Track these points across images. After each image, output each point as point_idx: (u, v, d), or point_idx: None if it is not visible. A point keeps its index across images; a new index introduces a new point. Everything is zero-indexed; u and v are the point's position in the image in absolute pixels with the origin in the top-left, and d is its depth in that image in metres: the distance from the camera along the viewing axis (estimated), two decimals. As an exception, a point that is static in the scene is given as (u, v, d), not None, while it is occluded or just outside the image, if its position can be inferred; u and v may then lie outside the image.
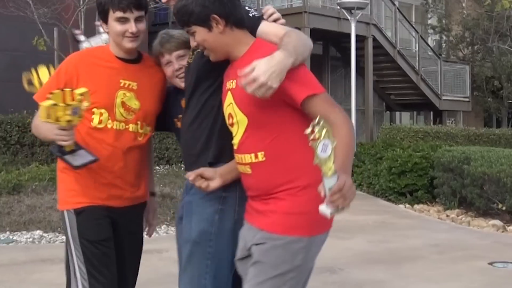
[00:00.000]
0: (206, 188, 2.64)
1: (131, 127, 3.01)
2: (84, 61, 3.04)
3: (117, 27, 2.95)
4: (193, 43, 2.66)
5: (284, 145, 2.51)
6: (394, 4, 20.11)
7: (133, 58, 3.08)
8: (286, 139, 2.51)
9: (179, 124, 3.03)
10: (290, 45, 2.46)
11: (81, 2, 10.25)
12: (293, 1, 17.53)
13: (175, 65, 3.06)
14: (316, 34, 15.82)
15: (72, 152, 2.82)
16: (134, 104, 3.01)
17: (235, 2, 2.60)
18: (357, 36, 14.61)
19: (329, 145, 2.15)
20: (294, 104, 2.45)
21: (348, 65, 15.02)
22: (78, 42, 3.19)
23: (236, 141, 2.59)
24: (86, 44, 3.20)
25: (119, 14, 2.93)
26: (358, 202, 10.54)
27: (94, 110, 2.93)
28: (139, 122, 3.03)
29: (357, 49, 14.62)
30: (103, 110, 2.94)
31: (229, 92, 2.59)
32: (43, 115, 2.70)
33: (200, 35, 2.56)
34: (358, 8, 14.28)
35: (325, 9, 16.99)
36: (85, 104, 2.76)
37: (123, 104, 2.99)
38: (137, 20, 2.97)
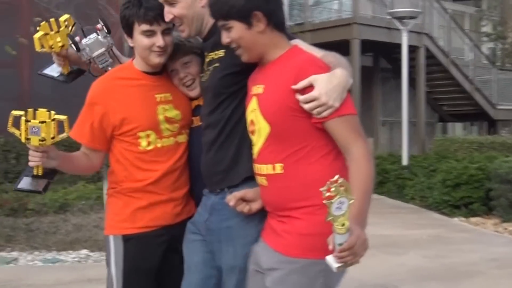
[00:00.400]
0: (248, 211, 2.51)
1: (179, 138, 2.90)
2: (111, 87, 2.87)
3: (144, 41, 2.79)
4: (225, 39, 2.46)
5: (304, 159, 2.37)
6: (447, 13, 19.74)
7: (160, 70, 2.93)
8: (307, 153, 2.37)
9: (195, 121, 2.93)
10: (343, 65, 2.38)
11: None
12: (342, 12, 17.37)
13: (181, 73, 2.91)
14: (366, 46, 15.72)
15: (38, 177, 2.73)
16: (176, 115, 2.88)
17: (279, 2, 2.46)
18: (408, 46, 14.32)
19: (345, 203, 2.03)
20: (316, 121, 2.33)
21: (399, 76, 14.74)
22: (78, 50, 2.97)
23: (255, 150, 2.47)
24: (86, 52, 2.97)
25: (145, 27, 2.77)
26: (411, 215, 10.48)
27: (140, 134, 2.82)
28: (183, 131, 2.92)
29: (408, 59, 14.34)
30: (149, 132, 2.82)
31: (254, 98, 2.45)
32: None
33: (237, 31, 2.40)
34: (410, 18, 14.03)
35: (375, 20, 16.71)
36: (64, 135, 2.65)
37: (166, 119, 2.86)
38: (165, 33, 2.80)
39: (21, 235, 8.00)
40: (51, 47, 2.93)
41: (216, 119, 2.62)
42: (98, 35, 2.96)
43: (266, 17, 2.38)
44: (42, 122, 2.56)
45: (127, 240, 2.82)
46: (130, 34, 2.84)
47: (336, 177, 2.01)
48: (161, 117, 2.84)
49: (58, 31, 2.91)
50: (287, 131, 2.36)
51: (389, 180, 12.74)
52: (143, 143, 2.82)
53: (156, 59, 2.82)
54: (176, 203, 2.87)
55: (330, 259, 2.10)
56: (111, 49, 3.01)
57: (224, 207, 2.58)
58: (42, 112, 2.58)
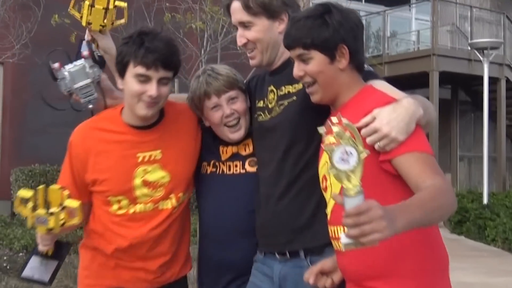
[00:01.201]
0: (331, 286, 2.21)
1: (162, 205, 2.55)
2: (89, 139, 2.54)
3: (134, 85, 2.43)
4: (299, 72, 2.22)
5: None
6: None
7: (152, 122, 2.56)
8: None
9: (209, 169, 2.66)
10: (418, 101, 2.14)
11: (203, 52, 10.20)
12: (420, 44, 16.96)
13: (226, 109, 2.58)
14: (444, 78, 15.24)
15: (47, 257, 2.56)
16: (161, 177, 2.53)
17: (363, 43, 2.27)
18: (489, 78, 13.77)
19: (353, 155, 1.64)
20: (384, 161, 2.03)
21: (478, 109, 14.23)
22: (54, 79, 2.53)
23: (329, 209, 2.18)
24: (66, 82, 2.53)
25: (140, 70, 2.41)
26: (494, 259, 9.85)
27: (110, 198, 2.52)
28: (172, 196, 2.56)
29: (489, 92, 13.79)
30: (120, 197, 2.51)
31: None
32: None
33: (317, 64, 2.17)
34: (492, 48, 13.49)
35: (454, 51, 16.18)
36: (75, 220, 2.33)
37: (145, 183, 2.51)
38: (161, 82, 2.44)
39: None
40: (88, 23, 2.53)
41: (288, 166, 2.37)
42: (85, 63, 2.55)
43: (350, 54, 2.16)
44: (51, 213, 2.27)
45: None
46: (122, 73, 2.48)
47: (338, 115, 1.69)
48: (137, 181, 2.50)
49: (106, 8, 2.52)
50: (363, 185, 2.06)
51: (469, 220, 12.17)
52: (114, 206, 2.53)
53: (143, 110, 2.46)
54: (149, 272, 2.59)
55: (342, 237, 1.70)
56: (98, 82, 2.61)
57: (302, 277, 2.26)
58: (53, 191, 2.29)
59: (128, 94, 2.48)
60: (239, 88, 2.63)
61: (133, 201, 2.51)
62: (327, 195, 2.19)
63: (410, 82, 14.46)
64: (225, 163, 2.67)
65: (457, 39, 16.46)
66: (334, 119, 1.77)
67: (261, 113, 2.54)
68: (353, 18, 2.21)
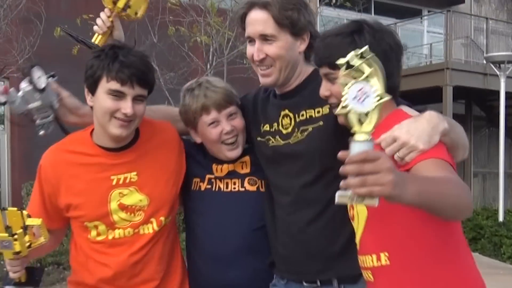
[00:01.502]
0: None
1: (143, 229, 2.40)
2: (60, 162, 2.39)
3: (107, 102, 2.27)
4: (324, 91, 2.12)
5: (415, 248, 1.98)
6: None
7: (127, 143, 2.40)
8: (417, 241, 1.98)
9: (202, 185, 2.55)
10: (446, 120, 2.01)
11: (208, 67, 9.96)
12: (433, 57, 16.69)
13: (226, 126, 2.47)
14: (458, 92, 14.92)
15: (20, 284, 2.34)
16: (139, 200, 2.38)
17: (398, 64, 2.09)
18: (505, 93, 13.40)
19: (371, 94, 1.46)
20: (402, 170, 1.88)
21: (493, 124, 13.91)
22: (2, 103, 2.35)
23: (357, 238, 2.13)
24: (17, 104, 2.33)
25: (114, 85, 2.25)
26: (510, 277, 9.47)
27: (87, 224, 2.39)
28: (153, 220, 2.41)
29: (505, 107, 13.41)
30: (97, 223, 2.38)
31: None
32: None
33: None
34: (509, 62, 13.12)
35: (469, 65, 15.89)
36: (41, 239, 2.23)
37: (121, 206, 2.37)
38: (137, 99, 2.28)
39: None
40: (127, 5, 2.50)
41: (316, 193, 2.27)
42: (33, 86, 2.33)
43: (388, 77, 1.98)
44: (13, 235, 2.14)
45: None
46: (92, 89, 2.30)
47: (365, 48, 1.51)
48: (113, 205, 2.36)
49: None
50: (387, 211, 1.90)
51: (484, 237, 11.96)
52: (92, 232, 2.41)
53: (116, 130, 2.29)
54: None
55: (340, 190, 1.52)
56: (61, 99, 2.42)
57: None
58: (11, 213, 2.15)
59: (100, 112, 2.30)
60: (237, 103, 2.53)
61: (111, 226, 2.39)
62: (355, 224, 2.12)
63: (422, 97, 14.15)
64: (222, 180, 2.57)
65: (472, 53, 16.25)
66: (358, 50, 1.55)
67: (271, 138, 2.42)
68: (387, 39, 2.07)
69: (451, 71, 14.80)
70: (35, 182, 2.44)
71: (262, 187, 2.57)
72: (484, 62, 14.63)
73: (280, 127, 2.40)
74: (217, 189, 2.56)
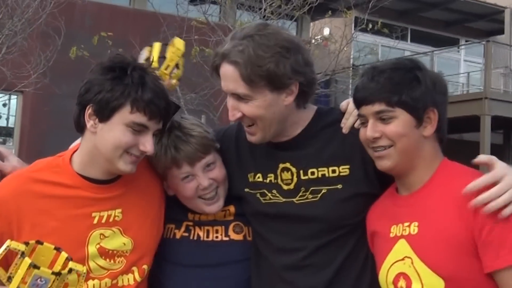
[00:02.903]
0: None
1: (123, 280, 2.03)
2: (29, 193, 1.96)
3: (126, 136, 1.95)
4: (373, 133, 1.91)
5: None
6: None
7: (113, 178, 2.05)
8: None
9: (178, 233, 2.23)
10: None
11: (232, 89, 9.66)
12: (470, 87, 16.35)
13: (203, 180, 2.13)
14: (496, 122, 14.64)
15: None
16: (122, 244, 2.03)
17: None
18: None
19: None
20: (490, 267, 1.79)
21: (533, 155, 13.42)
22: None
23: None
24: None
25: (140, 118, 1.94)
26: None
27: None
28: (134, 269, 2.05)
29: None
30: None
31: (402, 242, 1.91)
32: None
33: (402, 125, 1.89)
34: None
35: (507, 95, 15.77)
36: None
37: (101, 252, 2.01)
38: (154, 134, 2.00)
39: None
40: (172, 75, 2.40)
41: (325, 258, 2.07)
42: None
43: (439, 122, 1.92)
44: (57, 273, 1.72)
45: None
46: (104, 116, 1.93)
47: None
48: (91, 249, 1.99)
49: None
50: (467, 284, 1.83)
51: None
52: None
53: (127, 167, 1.97)
54: None
55: None
56: None
57: None
58: (46, 249, 1.78)
59: (111, 144, 1.96)
60: (215, 149, 2.20)
61: (86, 275, 1.90)
62: None
63: (458, 126, 13.93)
64: (201, 227, 2.25)
65: (511, 82, 15.85)
66: None
67: (266, 192, 2.15)
68: (444, 83, 2.00)
69: (489, 101, 14.61)
70: None
71: (249, 236, 2.26)
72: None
73: (279, 181, 2.12)
74: (195, 237, 2.24)
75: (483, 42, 15.75)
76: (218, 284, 2.19)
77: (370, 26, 11.06)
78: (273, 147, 2.15)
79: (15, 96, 11.98)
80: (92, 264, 1.99)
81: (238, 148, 2.24)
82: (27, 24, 9.41)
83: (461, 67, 18.20)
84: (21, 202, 1.98)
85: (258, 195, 2.16)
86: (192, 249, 2.22)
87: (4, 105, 12.40)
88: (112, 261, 2.02)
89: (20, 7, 9.55)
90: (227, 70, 2.00)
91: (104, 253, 2.01)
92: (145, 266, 2.10)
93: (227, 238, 2.24)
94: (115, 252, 2.03)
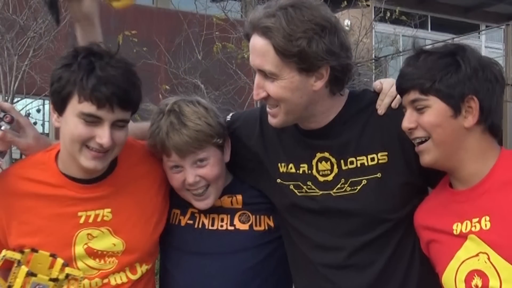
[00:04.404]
0: None
1: (114, 279, 1.97)
2: (10, 192, 1.90)
3: (78, 128, 1.82)
4: (409, 123, 1.81)
5: None
6: None
7: (101, 173, 1.93)
8: None
9: (183, 220, 2.16)
10: None
11: (255, 84, 9.66)
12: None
13: (190, 176, 2.02)
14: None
15: None
16: (112, 245, 1.96)
17: (500, 101, 1.82)
18: None
19: None
20: None
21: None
22: None
23: None
24: None
25: (88, 108, 1.79)
26: None
27: None
28: (127, 269, 1.98)
29: None
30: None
31: (472, 238, 1.77)
32: None
33: (435, 114, 1.78)
34: None
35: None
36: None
37: (89, 252, 1.95)
38: (116, 125, 1.82)
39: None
40: None
41: (368, 258, 1.97)
42: None
43: (482, 111, 1.77)
44: (54, 280, 1.78)
45: None
46: (59, 108, 1.84)
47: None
48: (78, 249, 1.94)
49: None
50: None
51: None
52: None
53: (89, 163, 1.83)
54: None
55: None
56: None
57: None
58: (41, 256, 1.81)
59: (68, 138, 1.86)
60: (215, 144, 2.06)
61: (83, 279, 1.95)
62: None
63: None
64: (206, 215, 2.18)
65: None
66: None
67: (301, 184, 2.03)
68: (494, 70, 1.85)
69: (511, 87, 14.31)
70: None
71: (257, 225, 2.20)
72: None
73: (314, 172, 2.02)
74: (200, 225, 2.19)
75: (503, 26, 15.47)
76: (223, 273, 2.15)
77: (388, 14, 10.93)
78: (305, 134, 2.05)
79: (47, 101, 12.09)
80: (80, 264, 1.96)
81: (263, 135, 2.14)
82: (51, 26, 9.38)
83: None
84: (8, 200, 1.96)
85: (291, 187, 2.07)
86: (196, 237, 2.18)
87: (38, 110, 12.17)
88: (102, 261, 1.99)
89: (43, 8, 9.56)
90: (256, 43, 1.89)
91: (92, 253, 1.97)
92: (139, 266, 2.06)
93: (232, 228, 2.18)
94: (104, 252, 1.99)
